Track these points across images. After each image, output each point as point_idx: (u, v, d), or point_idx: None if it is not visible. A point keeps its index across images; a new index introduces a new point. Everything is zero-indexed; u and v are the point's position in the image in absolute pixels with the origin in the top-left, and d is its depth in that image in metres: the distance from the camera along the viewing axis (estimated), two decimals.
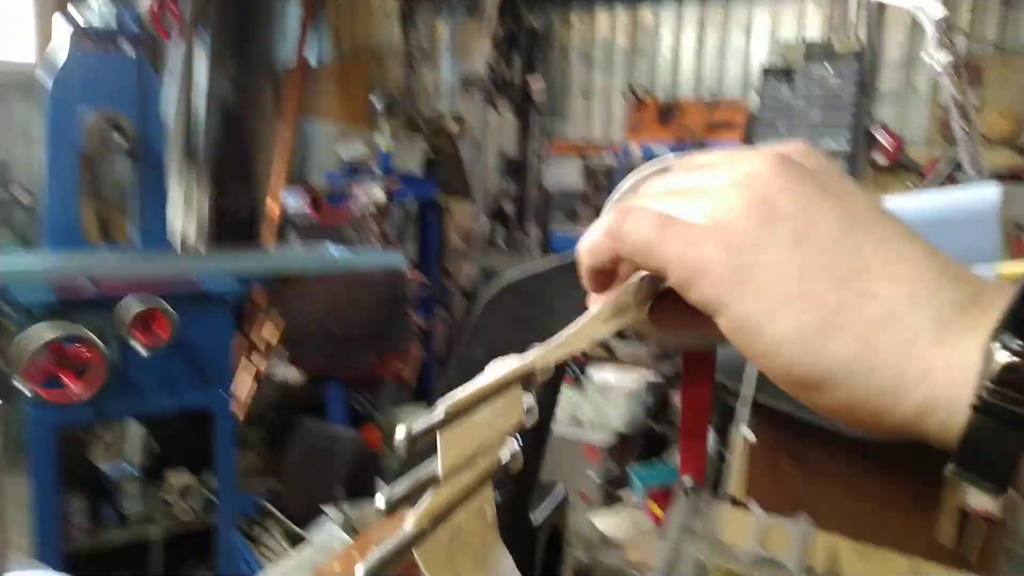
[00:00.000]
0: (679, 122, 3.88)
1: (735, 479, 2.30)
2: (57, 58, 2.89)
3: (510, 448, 0.52)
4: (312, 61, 5.27)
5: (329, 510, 2.98)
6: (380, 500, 0.37)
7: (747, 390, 1.98)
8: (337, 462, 3.19)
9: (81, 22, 2.90)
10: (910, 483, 1.93)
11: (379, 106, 3.57)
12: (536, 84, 4.07)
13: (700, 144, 3.75)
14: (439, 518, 0.42)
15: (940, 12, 2.54)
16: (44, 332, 2.21)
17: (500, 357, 0.45)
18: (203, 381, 2.56)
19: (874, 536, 2.01)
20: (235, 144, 5.41)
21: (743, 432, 2.12)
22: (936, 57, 2.55)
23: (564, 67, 4.41)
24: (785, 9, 3.91)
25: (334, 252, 3.16)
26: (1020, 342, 0.26)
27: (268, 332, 3.92)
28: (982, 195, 1.87)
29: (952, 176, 2.91)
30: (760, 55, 3.95)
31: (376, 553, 0.36)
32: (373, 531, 0.71)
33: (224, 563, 2.56)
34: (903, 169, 3.62)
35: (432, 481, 0.40)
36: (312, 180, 4.33)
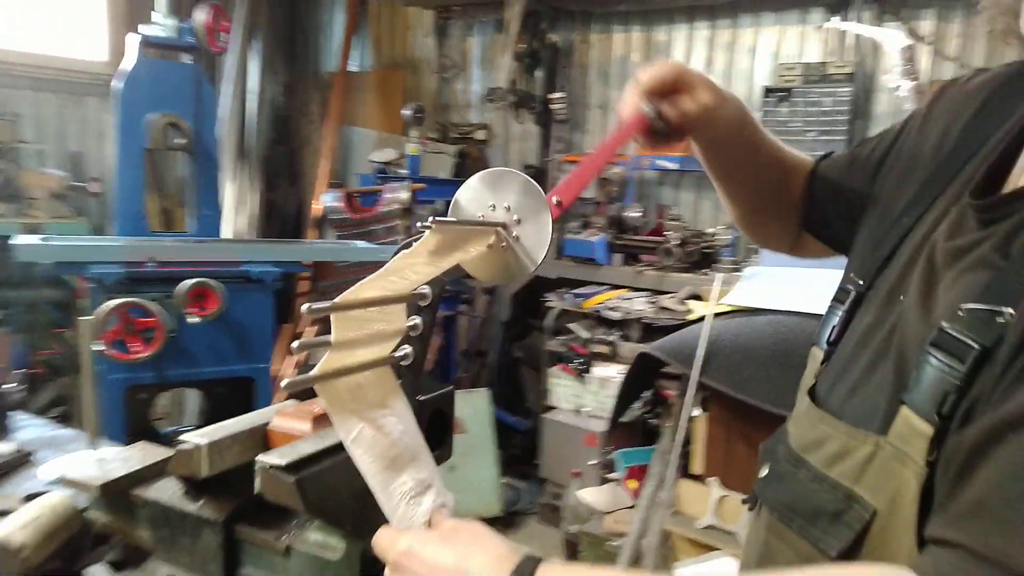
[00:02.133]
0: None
1: (697, 459, 2.61)
2: (127, 66, 3.33)
3: (403, 349, 0.91)
4: (354, 69, 5.70)
5: None
6: (305, 308, 0.74)
7: (694, 374, 2.31)
8: None
9: (147, 34, 3.34)
10: None
11: (408, 114, 3.94)
12: (556, 98, 4.41)
13: None
14: (337, 372, 0.79)
15: (904, 42, 2.81)
16: (113, 301, 2.64)
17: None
18: (247, 353, 2.96)
19: None
20: (284, 145, 5.88)
21: (693, 412, 2.43)
22: (900, 83, 2.83)
23: (583, 82, 4.74)
24: (788, 31, 4.18)
25: (360, 246, 3.56)
26: None
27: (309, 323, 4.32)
28: None
29: None
30: (763, 75, 4.22)
31: (293, 378, 0.74)
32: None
33: None
34: None
35: (326, 344, 0.78)
36: (351, 182, 4.74)
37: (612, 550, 2.80)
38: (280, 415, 1.00)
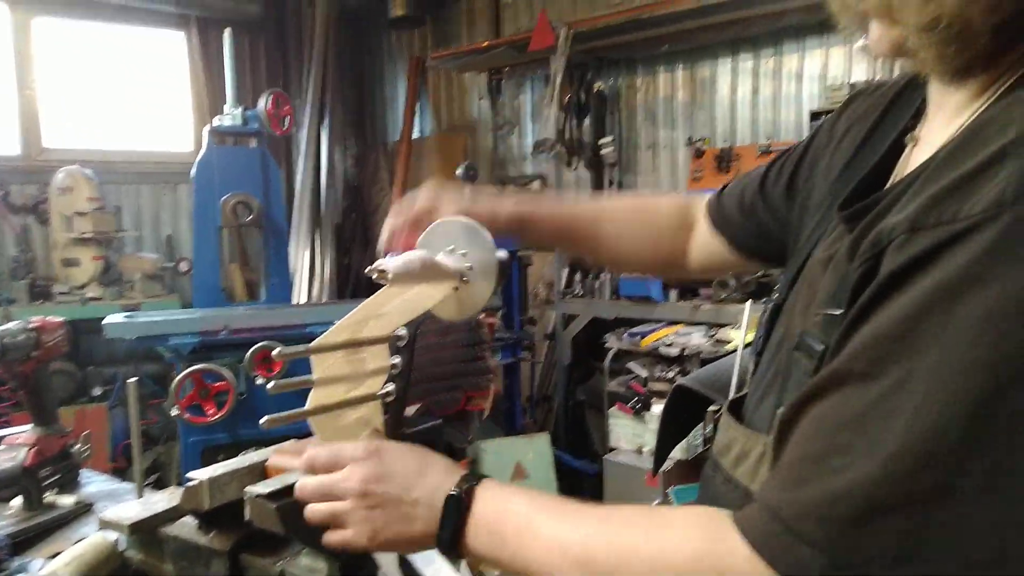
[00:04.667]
0: (735, 167, 4.17)
1: None
2: (199, 153, 3.66)
3: (386, 387, 1.00)
4: (417, 135, 6.00)
5: None
6: (275, 353, 0.85)
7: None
8: None
9: (216, 124, 3.66)
10: None
11: (460, 173, 4.13)
12: (605, 143, 4.51)
13: None
14: (323, 408, 0.89)
15: None
16: (188, 368, 2.87)
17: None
18: None
19: None
20: (357, 213, 6.21)
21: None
22: None
23: (631, 125, 4.82)
24: (834, 53, 4.13)
25: None
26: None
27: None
28: None
29: None
30: (811, 99, 4.18)
31: (284, 413, 0.85)
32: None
33: None
34: None
35: (310, 382, 0.88)
36: None
37: None
38: (277, 453, 1.11)
